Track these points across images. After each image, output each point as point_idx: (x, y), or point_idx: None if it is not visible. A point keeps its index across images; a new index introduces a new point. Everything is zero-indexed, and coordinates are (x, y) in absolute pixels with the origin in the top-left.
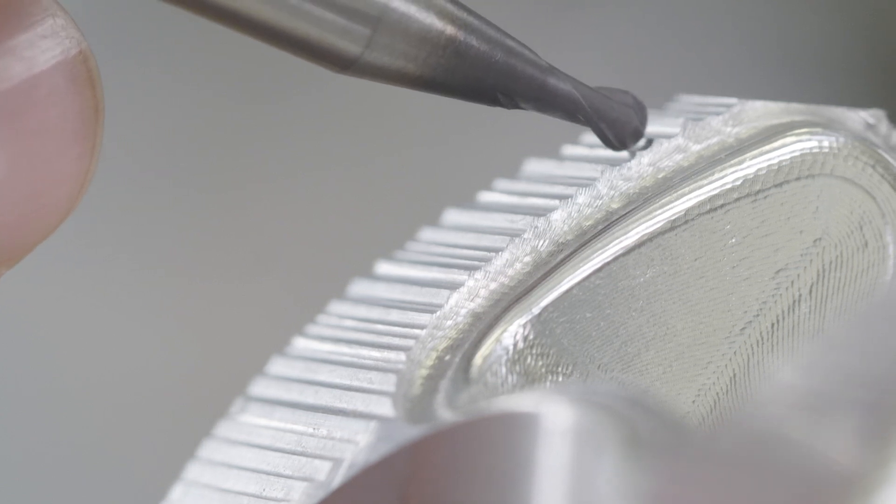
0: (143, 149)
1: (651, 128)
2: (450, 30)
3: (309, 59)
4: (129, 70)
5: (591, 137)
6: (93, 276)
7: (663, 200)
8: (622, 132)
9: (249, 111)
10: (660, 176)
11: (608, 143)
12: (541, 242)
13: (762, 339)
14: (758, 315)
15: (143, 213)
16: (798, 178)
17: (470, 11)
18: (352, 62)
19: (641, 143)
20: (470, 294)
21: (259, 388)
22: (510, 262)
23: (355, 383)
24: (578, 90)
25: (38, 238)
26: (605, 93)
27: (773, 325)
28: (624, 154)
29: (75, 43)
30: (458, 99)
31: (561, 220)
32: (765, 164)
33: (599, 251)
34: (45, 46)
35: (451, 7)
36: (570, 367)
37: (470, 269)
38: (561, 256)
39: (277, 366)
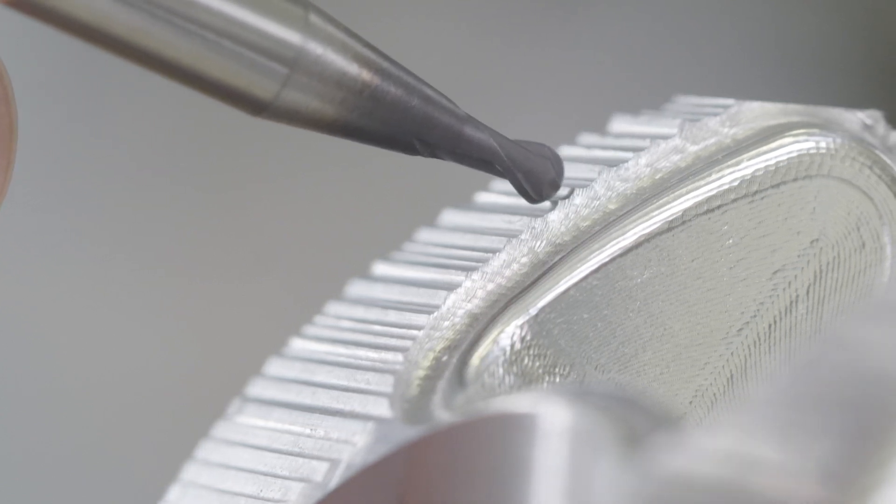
0: (142, 149)
1: (649, 128)
2: (366, 74)
3: (223, 101)
4: (128, 70)
5: (588, 138)
6: (90, 276)
7: (661, 201)
8: (539, 183)
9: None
10: (657, 177)
11: (524, 195)
12: (538, 243)
13: (759, 339)
14: (755, 316)
15: (140, 213)
16: (795, 179)
17: (387, 58)
18: (266, 105)
19: (562, 193)
20: (467, 295)
21: (256, 389)
22: (507, 263)
23: (352, 384)
24: (496, 140)
25: None
26: (522, 144)
27: (770, 325)
28: (543, 205)
29: None
30: (375, 146)
31: (558, 220)
32: (762, 165)
33: (597, 252)
34: None
35: (367, 52)
36: (567, 368)
37: (467, 269)
38: (558, 257)
39: (275, 367)
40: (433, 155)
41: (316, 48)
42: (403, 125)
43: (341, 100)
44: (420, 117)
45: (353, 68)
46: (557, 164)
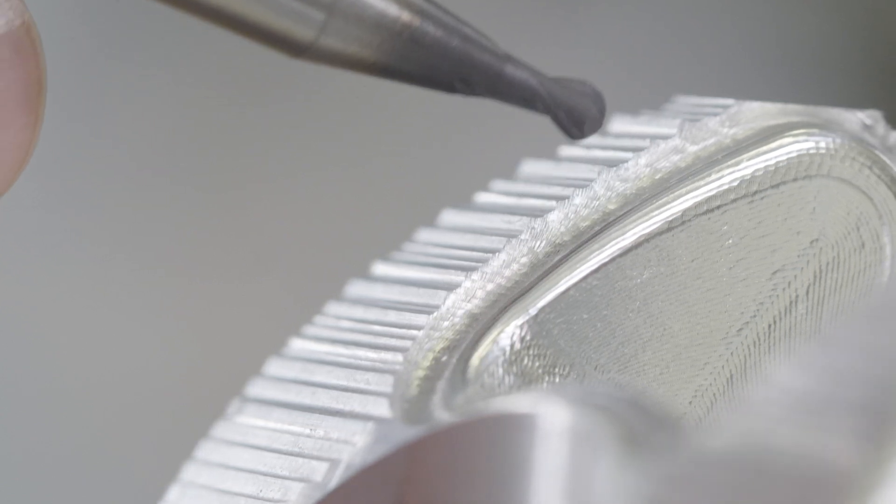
0: (141, 149)
1: (648, 128)
2: (405, 15)
3: (263, 44)
4: (128, 70)
5: (588, 138)
6: (90, 276)
7: (660, 201)
8: (581, 120)
9: (245, 112)
10: (657, 177)
11: (566, 132)
12: (538, 243)
13: (759, 339)
14: (755, 316)
15: (140, 213)
16: (795, 179)
17: None
18: (306, 48)
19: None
20: (467, 295)
21: (256, 389)
22: (507, 263)
23: (352, 384)
24: (536, 78)
25: None
26: (562, 82)
27: (770, 325)
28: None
29: (18, 14)
30: (414, 85)
31: (558, 220)
32: (762, 165)
33: (596, 252)
34: None
35: None
36: (566, 368)
37: (467, 270)
38: (558, 257)
39: (274, 367)
40: (473, 94)
41: None
42: (444, 65)
43: (381, 41)
44: (460, 57)
45: (392, 9)
46: (599, 101)
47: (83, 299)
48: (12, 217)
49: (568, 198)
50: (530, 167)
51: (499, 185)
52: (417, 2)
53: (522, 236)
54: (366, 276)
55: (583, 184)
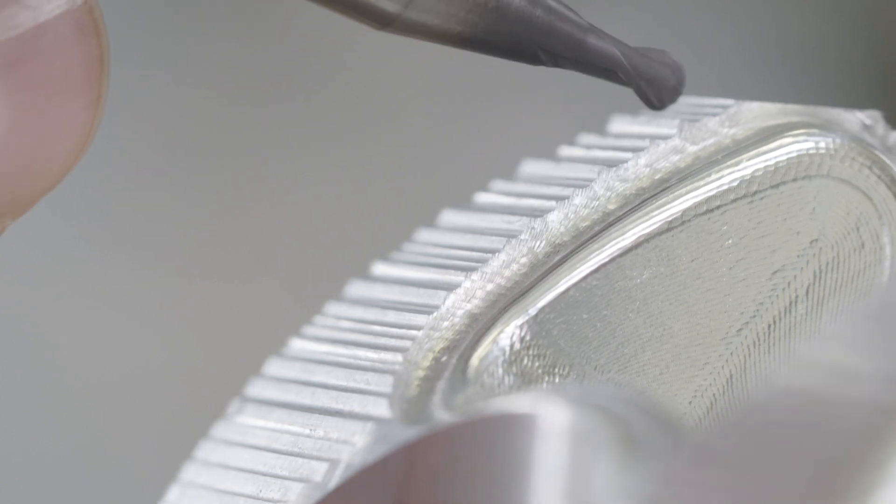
0: (140, 148)
1: (648, 129)
2: None
3: (350, 16)
4: (128, 70)
5: (587, 138)
6: (89, 276)
7: (660, 201)
8: (661, 91)
9: (245, 112)
10: (656, 177)
11: (647, 102)
12: (537, 243)
13: (759, 339)
14: (754, 316)
15: (140, 213)
16: (795, 179)
17: None
18: (393, 19)
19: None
20: (466, 295)
21: (256, 389)
22: (507, 264)
23: (352, 384)
24: (618, 48)
25: (42, 190)
26: (643, 52)
27: (769, 325)
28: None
29: None
30: (498, 56)
31: (558, 221)
32: (761, 165)
33: (596, 252)
34: None
35: None
36: (566, 369)
37: (466, 270)
38: (557, 257)
39: (274, 367)
40: (556, 64)
41: None
42: (527, 36)
43: (466, 12)
44: (544, 27)
45: None
46: (678, 71)
47: (83, 299)
48: None
49: (568, 198)
50: (530, 167)
51: (498, 185)
52: None
53: (522, 236)
54: (365, 276)
55: (582, 184)
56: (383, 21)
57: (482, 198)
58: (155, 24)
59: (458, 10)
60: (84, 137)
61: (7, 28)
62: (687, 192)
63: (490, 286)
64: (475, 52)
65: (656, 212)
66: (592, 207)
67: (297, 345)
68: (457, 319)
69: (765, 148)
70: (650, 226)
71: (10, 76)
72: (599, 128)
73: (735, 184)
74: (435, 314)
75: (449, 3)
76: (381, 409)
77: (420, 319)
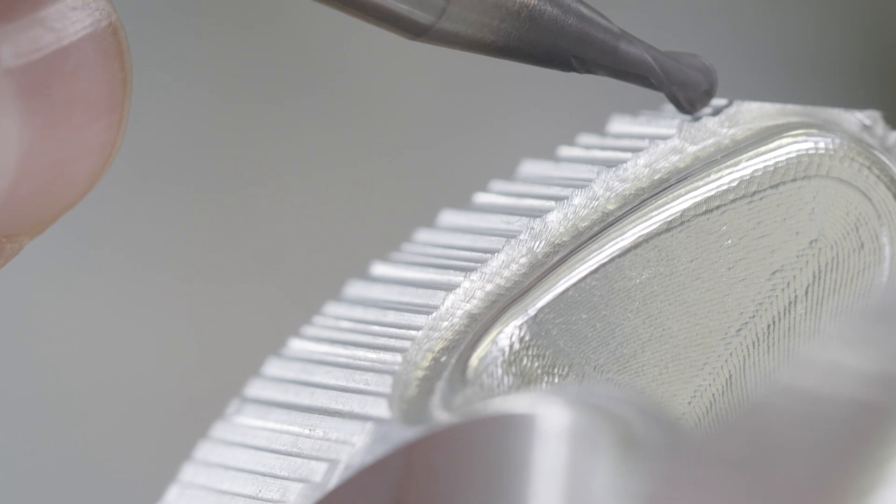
0: (140, 149)
1: (647, 129)
2: None
3: (383, 27)
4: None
5: (587, 139)
6: (89, 276)
7: (659, 202)
8: (693, 95)
9: (245, 113)
10: (656, 177)
11: (679, 107)
12: (537, 244)
13: (758, 340)
14: (754, 316)
15: (139, 214)
16: (794, 180)
17: None
18: (426, 30)
19: (721, 103)
20: (466, 295)
21: (255, 389)
22: (506, 264)
23: (351, 384)
24: (650, 54)
25: (61, 209)
26: (674, 56)
27: (769, 326)
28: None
29: (105, 15)
30: (532, 64)
31: (557, 221)
32: (761, 166)
33: (595, 252)
34: (75, 18)
35: None
36: (565, 369)
37: (466, 270)
38: (557, 258)
39: (273, 367)
40: (589, 71)
41: None
42: (560, 44)
43: (499, 22)
44: (576, 35)
45: None
46: (710, 75)
47: (82, 300)
48: None
49: (567, 198)
50: (529, 167)
51: (498, 185)
52: None
53: (521, 237)
54: (365, 276)
55: (582, 184)
56: (416, 31)
57: (481, 198)
58: (156, 24)
59: (492, 19)
60: (105, 159)
61: (31, 51)
62: (686, 193)
63: (489, 286)
64: (508, 60)
65: (655, 212)
66: (592, 208)
67: (296, 345)
68: (456, 320)
69: (764, 148)
70: (649, 226)
71: (34, 99)
72: (599, 128)
73: (734, 184)
74: (434, 314)
75: (482, 12)
76: (381, 409)
77: (419, 320)
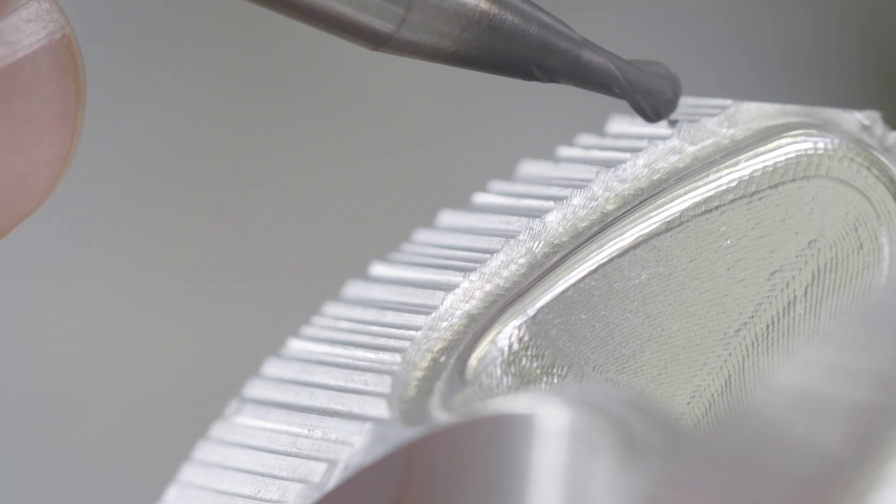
0: (139, 149)
1: (646, 129)
2: (484, 4)
3: (342, 37)
4: (129, 70)
5: (586, 139)
6: (88, 276)
7: (658, 202)
8: (657, 103)
9: (243, 113)
10: (655, 177)
11: (644, 115)
12: (536, 244)
13: (757, 340)
14: (753, 316)
15: (138, 214)
16: (793, 180)
17: None
18: (386, 39)
19: (677, 117)
20: (465, 295)
21: (254, 389)
22: (505, 264)
23: (350, 385)
24: (613, 62)
25: (12, 222)
26: (638, 65)
27: (768, 326)
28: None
29: (59, 27)
30: (493, 73)
31: (556, 221)
32: (760, 166)
33: (594, 252)
34: (30, 30)
35: None
36: (565, 369)
37: (465, 270)
38: (556, 258)
39: (272, 367)
40: (552, 80)
41: None
42: (522, 52)
43: (460, 31)
44: (538, 44)
45: None
46: (674, 83)
47: (82, 299)
48: None
49: (566, 198)
50: (528, 168)
51: (497, 185)
52: None
53: (520, 237)
54: (364, 276)
55: (581, 184)
56: (377, 41)
57: (480, 198)
58: (155, 24)
59: (453, 28)
60: (58, 171)
61: None
62: (685, 193)
63: (488, 287)
64: (471, 70)
65: (655, 212)
66: (591, 208)
67: (295, 345)
68: (455, 320)
69: (763, 148)
70: (648, 226)
71: None
72: (598, 128)
73: (733, 184)
74: (433, 315)
75: (443, 21)
76: (380, 409)
77: (418, 320)
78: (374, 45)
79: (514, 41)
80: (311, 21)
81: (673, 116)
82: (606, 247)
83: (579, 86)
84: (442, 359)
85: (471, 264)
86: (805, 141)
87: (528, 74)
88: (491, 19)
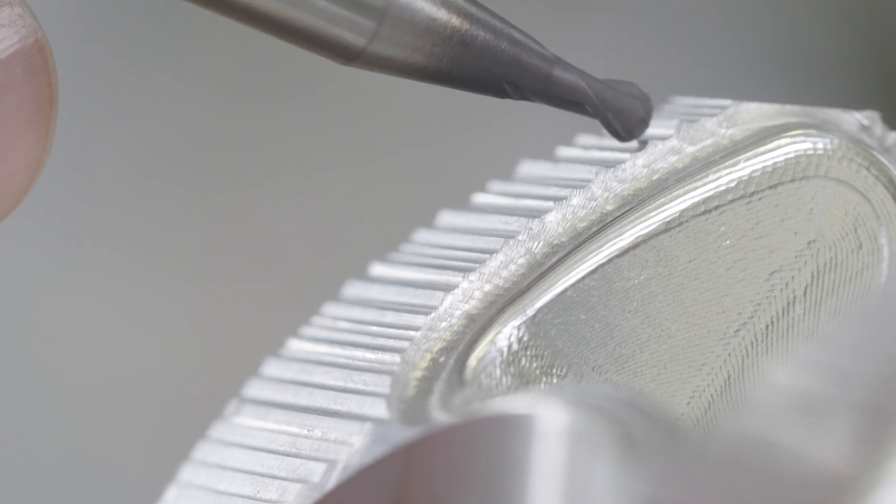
0: (139, 149)
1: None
2: (455, 20)
3: (314, 51)
4: (129, 70)
5: (585, 139)
6: (87, 276)
7: (658, 202)
8: (629, 122)
9: (243, 113)
10: (654, 177)
11: (615, 134)
12: (535, 244)
13: (756, 340)
14: (752, 317)
15: (137, 215)
16: (792, 180)
17: (475, 2)
18: (357, 54)
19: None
20: (464, 296)
21: (253, 389)
22: (504, 264)
23: (350, 385)
24: (584, 81)
25: None
26: (610, 84)
27: (767, 326)
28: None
29: (32, 31)
30: (465, 90)
31: (555, 221)
32: (759, 166)
33: (594, 253)
34: (2, 36)
35: None
36: (564, 369)
37: (464, 270)
38: (555, 258)
39: (272, 367)
40: (523, 97)
41: None
42: (493, 69)
43: (431, 46)
44: (509, 60)
45: (442, 14)
46: (646, 102)
47: (82, 300)
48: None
49: (565, 199)
50: (528, 168)
51: (496, 185)
52: (466, 6)
53: (520, 237)
54: (363, 276)
55: (580, 185)
56: (348, 56)
57: (480, 198)
58: (156, 24)
59: (424, 43)
60: (31, 175)
61: None
62: (685, 193)
63: (488, 287)
64: (442, 86)
65: (654, 212)
66: (590, 208)
67: (294, 345)
68: (454, 320)
69: (762, 149)
70: (648, 226)
71: None
72: (597, 128)
73: (733, 184)
74: (433, 315)
75: (414, 35)
76: (379, 409)
77: (418, 320)
78: (346, 60)
79: (485, 57)
80: (281, 34)
81: (643, 137)
82: (606, 247)
83: (551, 104)
84: (441, 359)
85: (470, 264)
86: (804, 141)
87: (499, 91)
88: (462, 35)
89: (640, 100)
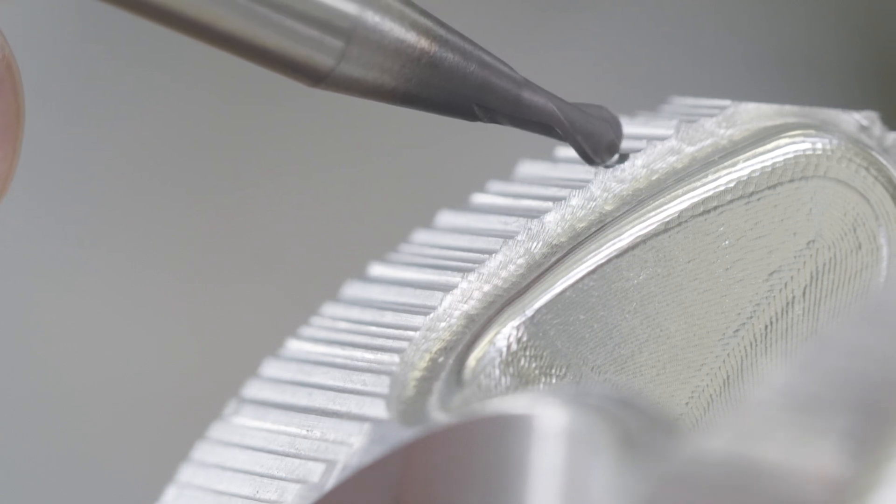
0: (139, 150)
1: (645, 130)
2: (423, 42)
3: (281, 73)
4: (128, 70)
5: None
6: (87, 277)
7: (657, 202)
8: (598, 145)
9: (242, 114)
10: (653, 178)
11: (584, 157)
12: (534, 244)
13: (756, 340)
14: (751, 317)
15: (137, 215)
16: (791, 180)
17: (444, 24)
18: (325, 75)
19: (615, 157)
20: (463, 296)
21: (253, 390)
22: (504, 264)
23: (349, 385)
24: (554, 103)
25: None
26: (580, 107)
27: (766, 326)
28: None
29: None
30: (434, 113)
31: (554, 222)
32: (758, 166)
33: (593, 253)
34: None
35: (424, 20)
36: (563, 369)
37: (463, 271)
38: (554, 258)
39: (271, 368)
40: (493, 120)
41: (373, 17)
42: (462, 91)
43: (400, 68)
44: (478, 83)
45: (410, 36)
46: (616, 126)
47: (81, 300)
48: (12, 217)
49: (564, 199)
50: (527, 168)
51: (495, 186)
52: (435, 28)
53: (519, 237)
54: (362, 277)
55: (579, 185)
56: (317, 77)
57: (479, 199)
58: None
59: (393, 64)
60: (0, 188)
61: None
62: (684, 193)
63: (487, 287)
64: (411, 109)
65: (653, 213)
66: (589, 208)
67: (293, 346)
68: (453, 320)
69: (761, 149)
70: (647, 227)
71: None
72: None
73: (732, 185)
74: (432, 315)
75: (382, 58)
76: (378, 410)
77: (417, 320)
78: (313, 82)
79: (454, 79)
80: (247, 55)
81: (611, 161)
82: (605, 247)
83: (520, 127)
84: (440, 359)
85: (469, 265)
86: (803, 141)
87: (468, 114)
88: (431, 56)
89: (609, 123)
